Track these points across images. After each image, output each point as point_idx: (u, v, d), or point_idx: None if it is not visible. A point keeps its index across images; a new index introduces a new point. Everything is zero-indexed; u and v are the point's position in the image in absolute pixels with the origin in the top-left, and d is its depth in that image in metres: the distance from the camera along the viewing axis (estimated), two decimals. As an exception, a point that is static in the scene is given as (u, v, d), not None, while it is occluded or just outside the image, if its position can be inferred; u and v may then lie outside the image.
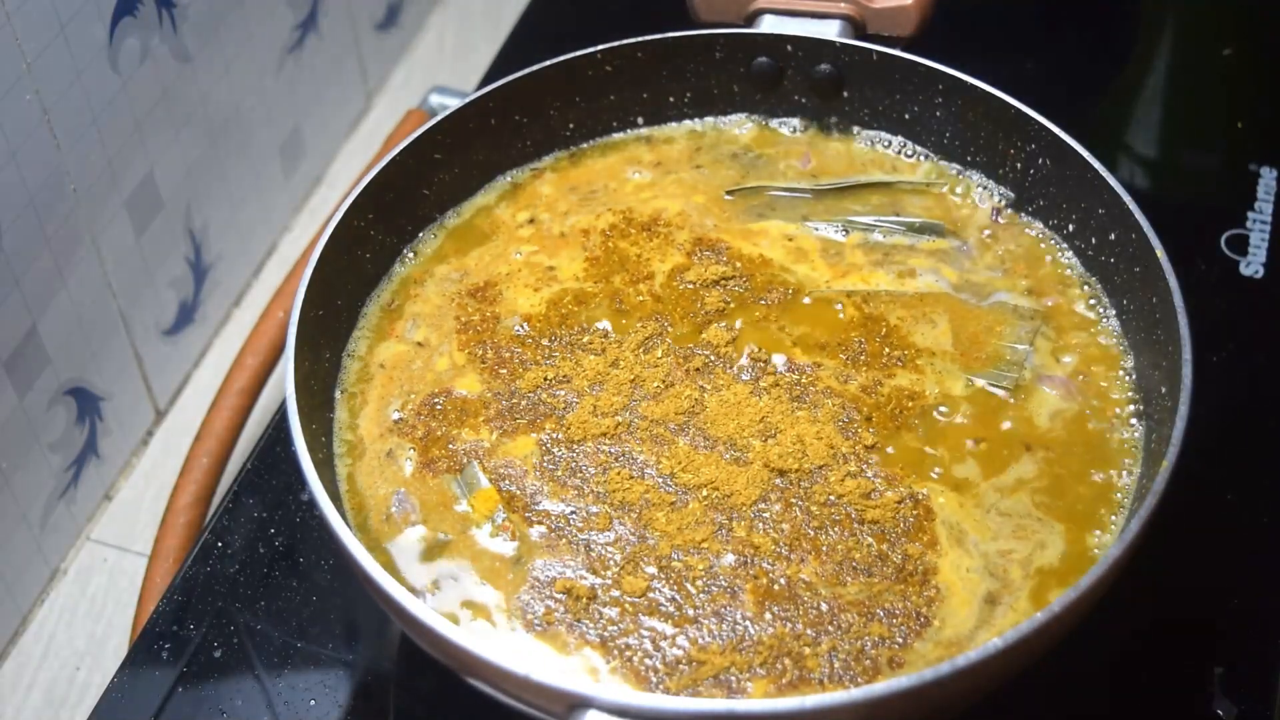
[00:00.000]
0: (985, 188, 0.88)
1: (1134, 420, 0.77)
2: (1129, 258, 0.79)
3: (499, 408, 0.79)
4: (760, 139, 0.94)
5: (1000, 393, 0.79)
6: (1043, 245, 0.86)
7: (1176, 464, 0.67)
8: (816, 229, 0.87)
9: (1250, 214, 1.02)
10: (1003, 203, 0.87)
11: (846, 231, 0.87)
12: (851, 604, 0.70)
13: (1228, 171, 1.08)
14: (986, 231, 0.87)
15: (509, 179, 0.92)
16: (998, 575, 0.71)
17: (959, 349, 0.81)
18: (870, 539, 0.73)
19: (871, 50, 0.89)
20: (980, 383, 0.79)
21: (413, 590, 0.72)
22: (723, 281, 0.85)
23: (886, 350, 0.80)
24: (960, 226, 0.87)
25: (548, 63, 0.89)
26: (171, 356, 1.15)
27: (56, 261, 0.98)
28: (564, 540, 0.74)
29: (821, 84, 0.91)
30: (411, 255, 0.88)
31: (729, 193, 0.90)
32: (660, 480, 0.76)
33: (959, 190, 0.89)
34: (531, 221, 0.89)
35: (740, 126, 0.94)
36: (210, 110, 1.13)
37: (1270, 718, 0.78)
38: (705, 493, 0.75)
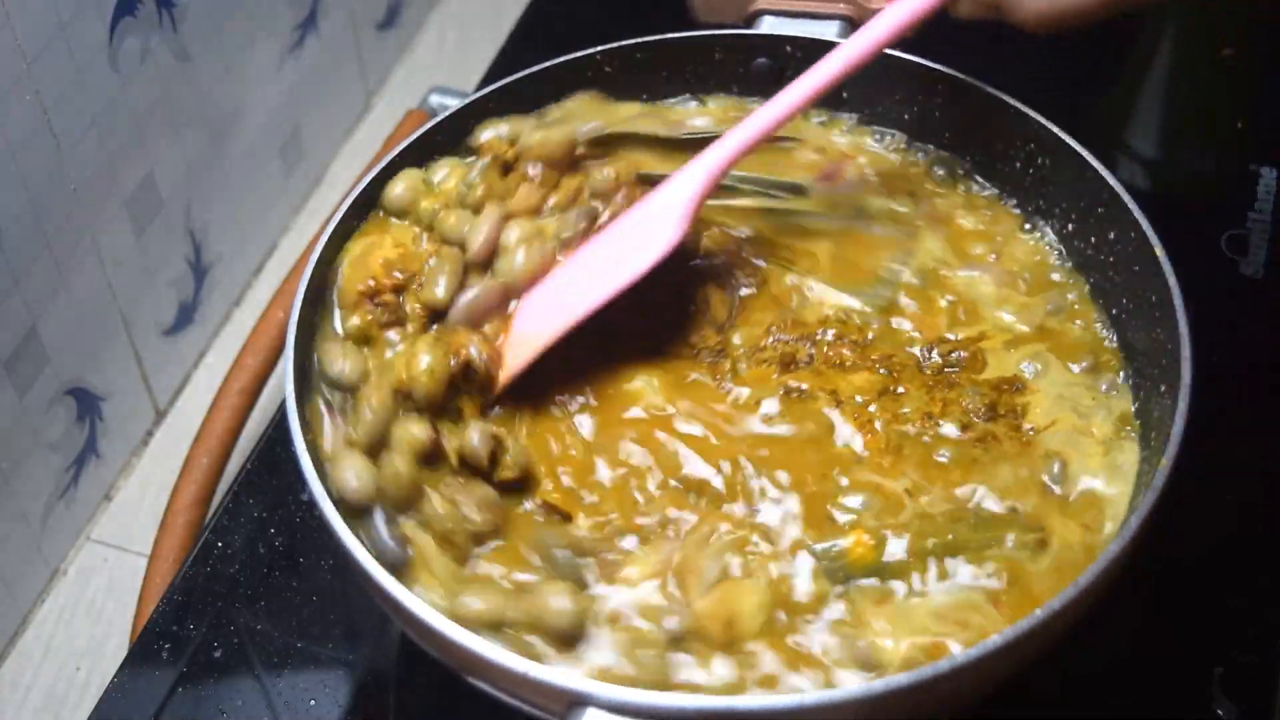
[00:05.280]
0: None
1: (1134, 420, 0.77)
2: (1129, 257, 0.79)
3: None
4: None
5: (870, 310, 0.80)
6: (1042, 245, 0.86)
7: (1176, 464, 0.67)
8: None
9: (1250, 214, 1.02)
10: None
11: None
12: None
13: (1228, 171, 1.08)
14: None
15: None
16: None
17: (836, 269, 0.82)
18: None
19: (871, 50, 0.89)
20: (851, 302, 0.80)
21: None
22: None
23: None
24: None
25: (548, 63, 0.89)
26: (171, 356, 1.16)
27: (56, 261, 0.98)
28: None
29: (821, 84, 0.91)
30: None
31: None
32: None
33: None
34: None
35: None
36: (210, 110, 1.13)
37: (1270, 718, 0.78)
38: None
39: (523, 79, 0.89)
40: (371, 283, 0.77)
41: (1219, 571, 0.84)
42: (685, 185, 0.78)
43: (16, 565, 1.02)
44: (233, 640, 0.83)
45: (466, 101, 0.87)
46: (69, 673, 1.01)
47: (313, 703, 0.80)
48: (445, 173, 0.83)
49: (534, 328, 0.76)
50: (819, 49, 0.90)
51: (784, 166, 0.87)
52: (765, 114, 0.78)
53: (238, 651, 0.83)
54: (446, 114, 0.86)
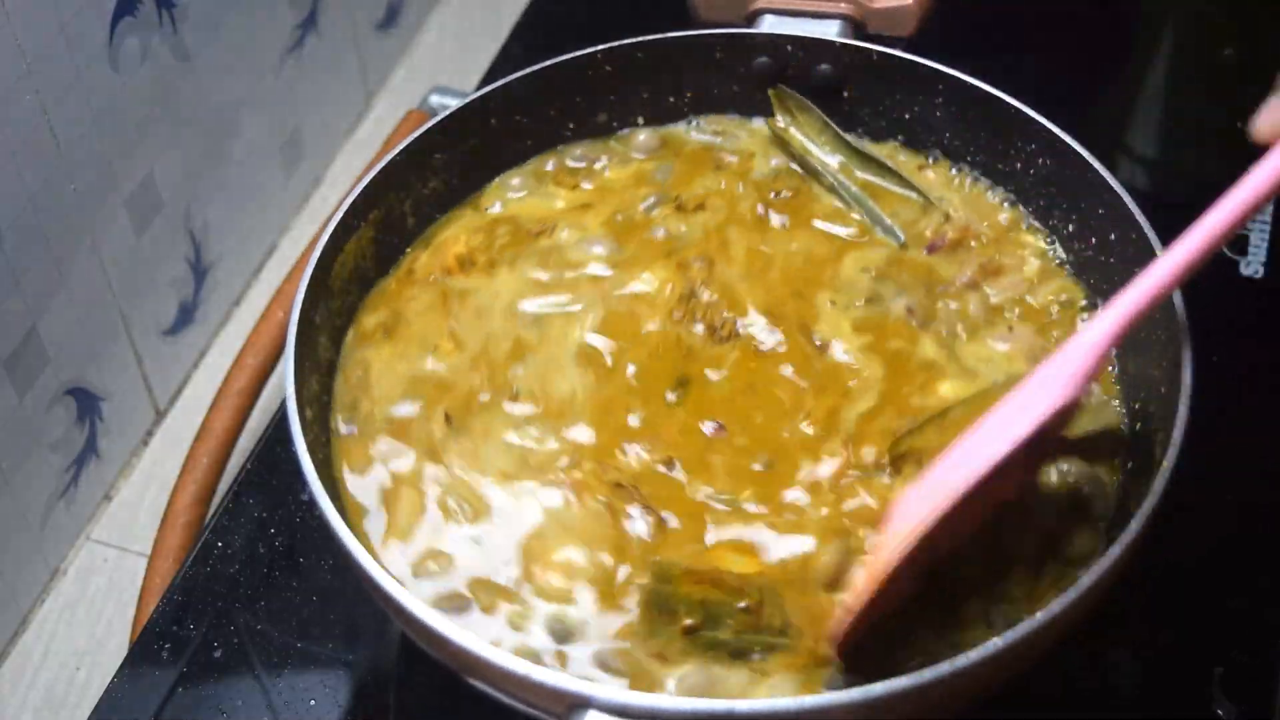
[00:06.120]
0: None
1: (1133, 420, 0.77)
2: (1129, 258, 0.79)
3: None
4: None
5: None
6: (1040, 242, 0.86)
7: (1176, 464, 0.67)
8: None
9: (1250, 214, 1.02)
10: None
11: None
12: None
13: (1228, 171, 1.07)
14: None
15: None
16: None
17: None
18: None
19: (871, 50, 0.89)
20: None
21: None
22: None
23: None
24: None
25: (548, 63, 0.89)
26: (171, 356, 1.16)
27: (56, 261, 0.98)
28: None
29: (821, 84, 0.91)
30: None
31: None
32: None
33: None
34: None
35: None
36: (210, 110, 1.13)
37: (1270, 718, 0.78)
38: None
39: (523, 79, 0.89)
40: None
41: (1219, 571, 0.84)
42: (1087, 335, 0.69)
43: (16, 565, 1.02)
44: (233, 640, 0.83)
45: (466, 101, 0.87)
46: (69, 673, 1.01)
47: (313, 703, 0.80)
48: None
49: (910, 515, 0.67)
50: (819, 48, 0.90)
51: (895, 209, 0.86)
52: (1195, 235, 0.71)
53: (238, 651, 0.83)
54: (446, 114, 0.87)
